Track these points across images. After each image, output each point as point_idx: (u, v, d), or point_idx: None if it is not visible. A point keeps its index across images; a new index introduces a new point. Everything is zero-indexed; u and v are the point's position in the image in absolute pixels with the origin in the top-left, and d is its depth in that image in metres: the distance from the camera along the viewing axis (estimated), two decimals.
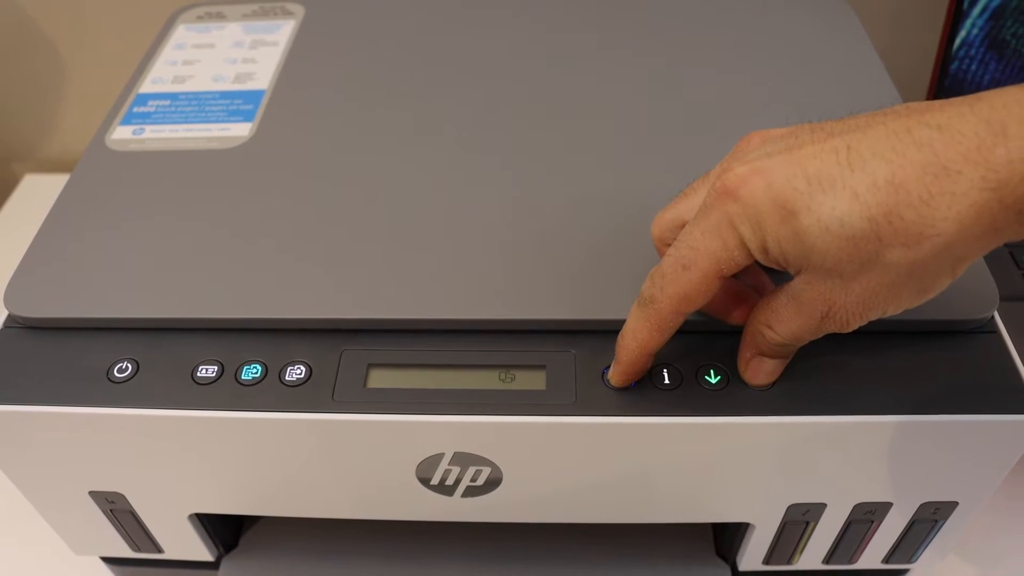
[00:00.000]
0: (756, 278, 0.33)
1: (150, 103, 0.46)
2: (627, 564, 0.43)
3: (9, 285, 0.36)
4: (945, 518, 0.36)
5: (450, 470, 0.34)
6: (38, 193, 0.78)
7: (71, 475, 0.36)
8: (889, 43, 0.69)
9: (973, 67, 0.58)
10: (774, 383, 0.32)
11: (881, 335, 0.33)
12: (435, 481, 0.35)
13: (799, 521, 0.37)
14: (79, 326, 0.35)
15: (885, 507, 0.36)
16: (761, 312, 0.30)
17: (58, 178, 0.75)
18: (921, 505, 0.36)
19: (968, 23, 0.56)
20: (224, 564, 0.44)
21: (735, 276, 0.30)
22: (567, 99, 0.44)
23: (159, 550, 0.41)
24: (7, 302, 0.35)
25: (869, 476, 0.34)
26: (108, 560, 0.44)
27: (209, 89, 0.46)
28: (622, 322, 0.31)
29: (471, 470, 0.34)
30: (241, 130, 0.43)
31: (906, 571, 0.42)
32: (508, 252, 0.36)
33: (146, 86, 0.47)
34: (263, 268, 0.36)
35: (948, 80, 0.59)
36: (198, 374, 0.33)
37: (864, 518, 0.36)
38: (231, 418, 0.32)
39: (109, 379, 0.33)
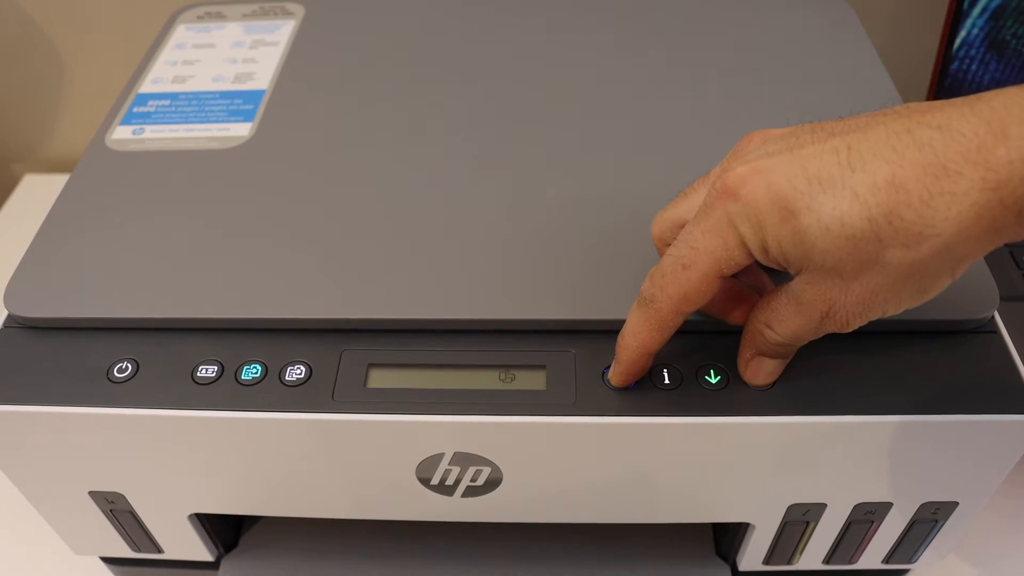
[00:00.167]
0: (756, 278, 0.33)
1: (150, 103, 0.46)
2: (627, 564, 0.43)
3: (9, 285, 0.36)
4: (945, 518, 0.36)
5: (450, 470, 0.34)
6: (38, 193, 0.78)
7: (71, 475, 0.36)
8: (889, 43, 0.69)
9: (973, 67, 0.58)
10: (774, 383, 0.32)
11: (881, 335, 0.33)
12: (435, 481, 0.35)
13: (799, 521, 0.37)
14: (79, 326, 0.35)
15: (885, 507, 0.36)
16: (761, 312, 0.30)
17: (58, 178, 0.75)
18: (921, 505, 0.36)
19: (968, 23, 0.56)
20: (224, 564, 0.44)
21: (735, 276, 0.30)
22: (567, 99, 0.44)
23: (159, 550, 0.41)
24: (7, 302, 0.35)
25: (869, 476, 0.34)
26: (108, 560, 0.44)
27: (209, 89, 0.46)
28: (622, 322, 0.31)
29: (471, 470, 0.34)
30: (241, 130, 0.43)
31: (906, 571, 0.42)
32: (508, 252, 0.36)
33: (146, 86, 0.47)
34: (263, 268, 0.36)
35: (948, 80, 0.59)
36: (198, 374, 0.33)
37: (864, 518, 0.36)
38: (231, 418, 0.32)
39: (109, 379, 0.33)
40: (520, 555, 0.44)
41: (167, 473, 0.36)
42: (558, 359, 0.33)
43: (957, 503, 0.35)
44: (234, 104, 0.45)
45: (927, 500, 0.35)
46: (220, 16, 0.52)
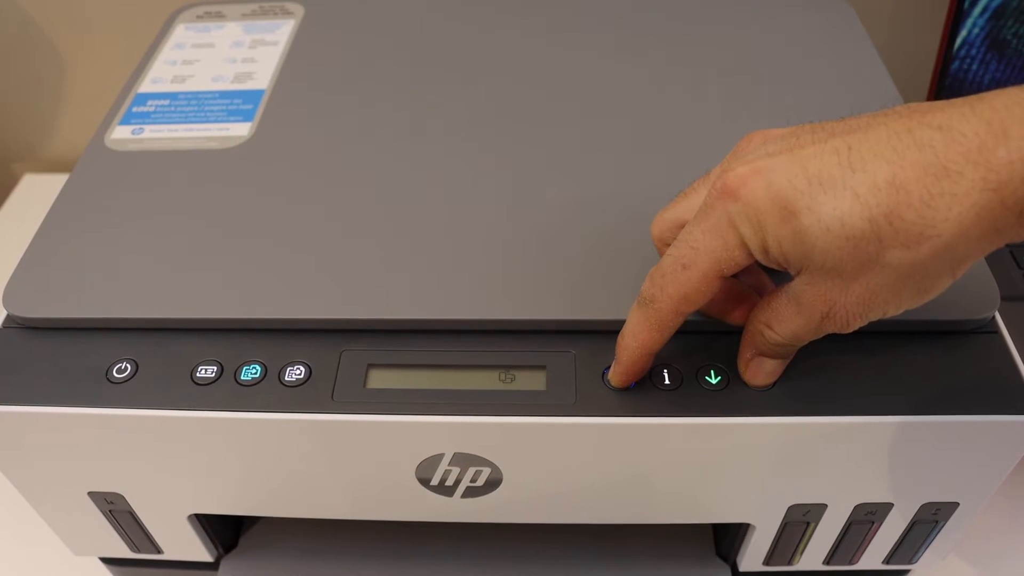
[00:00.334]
0: (756, 278, 0.33)
1: (149, 103, 0.46)
2: (627, 565, 0.43)
3: (8, 285, 0.36)
4: (946, 519, 0.36)
5: (450, 470, 0.34)
6: (38, 193, 0.78)
7: (70, 476, 0.36)
8: (889, 43, 0.69)
9: (974, 67, 0.58)
10: (774, 383, 0.32)
11: (882, 335, 0.33)
12: (435, 482, 0.35)
13: (800, 522, 0.37)
14: (78, 326, 0.35)
15: (886, 508, 0.36)
16: (761, 312, 0.30)
17: (58, 178, 0.75)
18: (922, 506, 0.36)
19: (969, 23, 0.56)
20: (223, 565, 0.43)
21: (735, 276, 0.30)
22: (567, 99, 0.44)
23: (158, 551, 0.41)
24: (6, 302, 0.35)
25: (870, 477, 0.34)
26: (107, 561, 0.44)
27: (208, 89, 0.46)
28: (622, 322, 0.31)
29: (471, 471, 0.34)
30: (240, 130, 0.43)
31: (907, 572, 0.42)
32: (508, 252, 0.36)
33: (145, 86, 0.47)
34: (263, 268, 0.36)
35: (949, 80, 0.59)
36: (197, 374, 0.33)
37: (865, 519, 0.36)
38: (231, 419, 0.32)
39: (108, 379, 0.33)
40: (520, 555, 0.44)
41: (166, 473, 0.36)
42: (558, 359, 0.33)
43: (958, 503, 0.35)
44: (233, 104, 0.45)
45: (928, 500, 0.35)
46: (220, 16, 0.52)
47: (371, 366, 0.33)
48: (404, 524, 0.39)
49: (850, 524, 0.37)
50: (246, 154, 0.42)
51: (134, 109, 0.45)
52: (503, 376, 0.33)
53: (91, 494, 0.37)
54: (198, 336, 0.35)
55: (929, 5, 0.67)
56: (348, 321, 0.34)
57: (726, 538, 0.42)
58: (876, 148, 0.25)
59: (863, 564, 0.40)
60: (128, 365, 0.34)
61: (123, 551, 0.41)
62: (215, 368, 0.33)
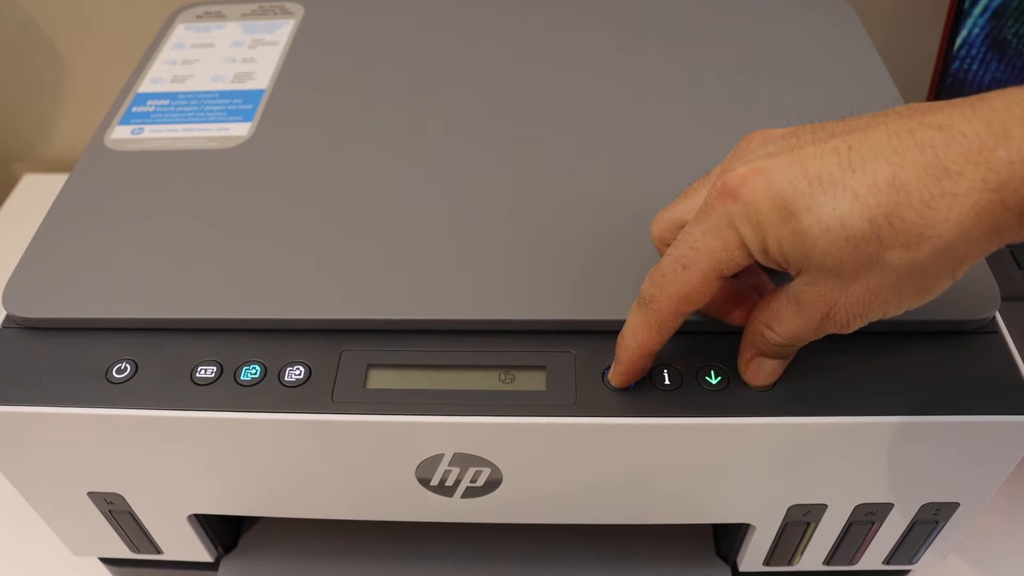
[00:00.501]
0: (756, 278, 0.33)
1: (149, 103, 0.46)
2: (627, 565, 0.43)
3: (8, 285, 0.36)
4: (946, 519, 0.36)
5: (450, 471, 0.34)
6: (37, 193, 0.78)
7: (70, 476, 0.36)
8: (889, 43, 0.69)
9: (974, 67, 0.58)
10: (774, 384, 0.32)
11: (882, 336, 0.33)
12: (435, 482, 0.35)
13: (800, 522, 0.37)
14: (78, 326, 0.35)
15: (886, 508, 0.36)
16: (761, 312, 0.30)
17: (57, 178, 0.75)
18: (922, 506, 0.36)
19: (969, 23, 0.56)
20: (223, 565, 0.43)
21: (735, 276, 0.30)
22: (567, 99, 0.44)
23: (158, 551, 0.41)
24: (5, 302, 0.35)
25: (870, 477, 0.34)
26: (107, 561, 0.44)
27: (208, 89, 0.46)
28: (622, 322, 0.31)
29: (471, 471, 0.34)
30: (240, 130, 0.43)
31: (907, 572, 0.42)
32: (508, 252, 0.36)
33: (145, 86, 0.47)
34: (262, 268, 0.36)
35: (949, 80, 0.59)
36: (197, 375, 0.33)
37: (865, 519, 0.36)
38: (230, 419, 0.32)
39: (108, 380, 0.33)
40: (520, 555, 0.44)
41: (166, 474, 0.36)
42: (558, 359, 0.33)
43: (958, 504, 0.35)
44: (233, 104, 0.45)
45: (928, 501, 0.35)
46: (219, 16, 0.52)
47: (371, 366, 0.33)
48: (404, 524, 0.39)
49: (850, 524, 0.37)
50: (246, 154, 0.42)
51: (134, 109, 0.45)
52: (503, 376, 0.33)
53: (91, 494, 0.37)
54: (198, 336, 0.34)
55: (929, 5, 0.67)
56: (348, 321, 0.34)
57: (726, 538, 0.42)
58: (876, 148, 0.25)
59: (863, 564, 0.40)
60: (128, 365, 0.34)
61: (123, 551, 0.41)
62: (215, 368, 0.33)
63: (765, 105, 0.43)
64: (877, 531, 0.37)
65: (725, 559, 0.43)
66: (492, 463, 0.34)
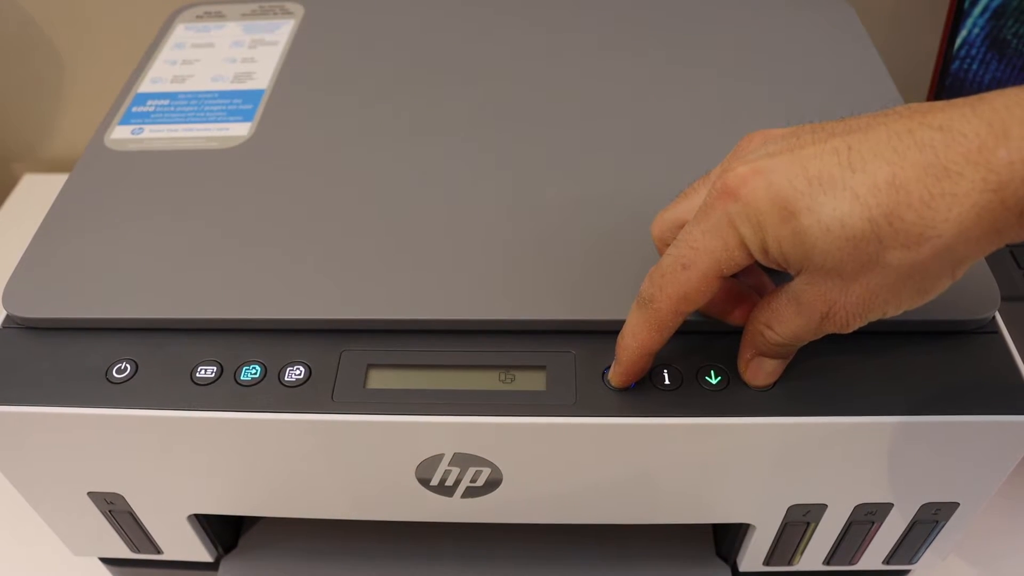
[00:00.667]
0: (756, 278, 0.33)
1: (149, 103, 0.46)
2: (627, 565, 0.43)
3: (8, 285, 0.36)
4: (946, 519, 0.36)
5: (450, 471, 0.34)
6: (37, 193, 0.78)
7: (70, 476, 0.36)
8: (889, 43, 0.69)
9: (974, 67, 0.58)
10: (774, 384, 0.32)
11: (882, 335, 0.33)
12: (435, 482, 0.35)
13: (800, 522, 0.37)
14: (78, 326, 0.35)
15: (886, 508, 0.36)
16: (761, 312, 0.30)
17: (57, 178, 0.75)
18: (922, 506, 0.36)
19: (969, 22, 0.56)
20: (223, 565, 0.43)
21: (735, 276, 0.30)
22: (567, 99, 0.44)
23: (158, 551, 0.41)
24: (5, 302, 0.35)
25: (870, 477, 0.34)
26: (107, 561, 0.44)
27: (208, 89, 0.46)
28: (622, 322, 0.31)
29: (471, 471, 0.34)
30: (240, 130, 0.43)
31: (907, 572, 0.42)
32: (508, 252, 0.36)
33: (145, 86, 0.47)
34: (262, 268, 0.36)
35: (949, 80, 0.59)
36: (197, 375, 0.33)
37: (865, 519, 0.36)
38: (230, 419, 0.32)
39: (108, 380, 0.33)
40: (520, 555, 0.43)
41: (166, 474, 0.36)
42: (558, 359, 0.33)
43: (958, 504, 0.35)
44: (233, 104, 0.45)
45: (928, 501, 0.35)
46: (219, 16, 0.52)
47: (371, 366, 0.33)
48: (404, 524, 0.39)
49: (850, 524, 0.37)
50: (246, 154, 0.42)
51: (134, 109, 0.45)
52: (503, 376, 0.33)
53: (91, 494, 0.37)
54: (198, 336, 0.34)
55: (929, 5, 0.67)
56: (348, 321, 0.34)
57: (726, 538, 0.42)
58: (876, 148, 0.25)
59: (863, 564, 0.40)
60: (128, 365, 0.34)
61: (123, 551, 0.41)
62: (215, 368, 0.33)
63: (765, 105, 0.43)
64: (877, 531, 0.37)
65: (725, 559, 0.43)
66: (492, 463, 0.34)
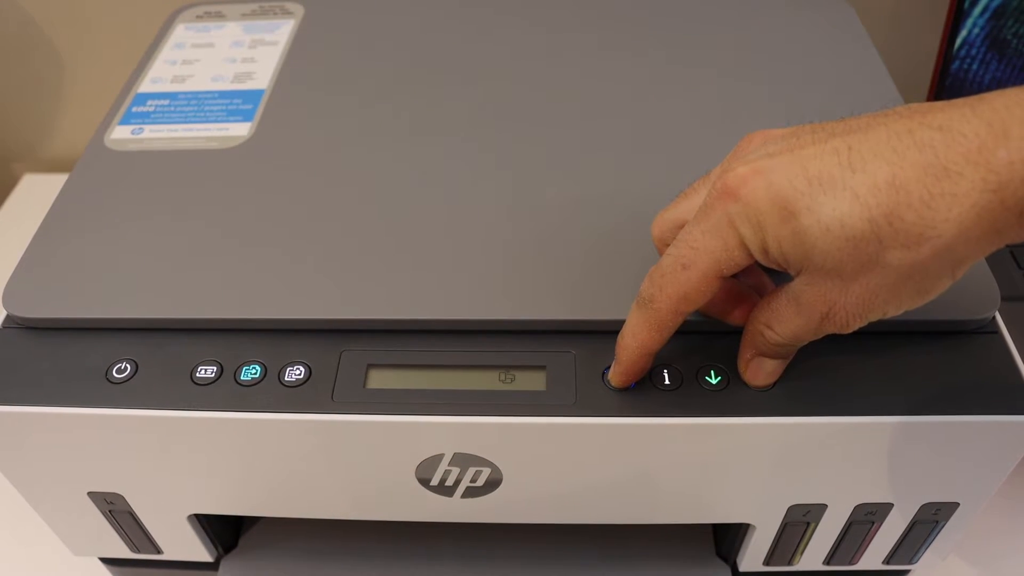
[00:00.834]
0: (756, 278, 0.33)
1: (149, 103, 0.46)
2: (627, 565, 0.43)
3: (8, 285, 0.36)
4: (946, 519, 0.36)
5: (450, 471, 0.34)
6: (37, 193, 0.78)
7: (70, 476, 0.36)
8: (889, 43, 0.69)
9: (974, 67, 0.58)
10: (774, 384, 0.32)
11: (882, 335, 0.33)
12: (435, 482, 0.35)
13: (800, 522, 0.37)
14: (78, 326, 0.35)
15: (886, 508, 0.36)
16: (761, 312, 0.30)
17: (57, 178, 0.75)
18: (922, 506, 0.36)
19: (969, 23, 0.56)
20: (223, 565, 0.43)
21: (735, 276, 0.30)
22: (567, 99, 0.44)
23: (158, 551, 0.41)
24: (5, 302, 0.35)
25: (870, 477, 0.34)
26: (107, 561, 0.44)
27: (208, 89, 0.46)
28: (622, 322, 0.31)
29: (471, 471, 0.34)
30: (240, 130, 0.43)
31: (907, 572, 0.42)
32: (508, 252, 0.36)
33: (145, 86, 0.47)
34: (262, 268, 0.36)
35: (949, 80, 0.59)
36: (197, 374, 0.33)
37: (865, 519, 0.36)
38: (230, 419, 0.32)
39: (108, 380, 0.33)
40: (520, 555, 0.43)
41: (166, 474, 0.36)
42: (558, 359, 0.33)
43: (958, 504, 0.35)
44: (233, 104, 0.45)
45: (928, 501, 0.35)
46: (219, 16, 0.52)
47: (371, 366, 0.33)
48: (404, 524, 0.39)
49: (850, 524, 0.37)
50: (246, 154, 0.42)
51: (134, 109, 0.45)
52: (503, 376, 0.33)
53: (91, 494, 0.37)
54: (198, 336, 0.34)
55: (929, 5, 0.67)
56: (348, 321, 0.34)
57: (726, 538, 0.42)
58: (876, 148, 0.25)
59: (863, 564, 0.40)
60: (128, 365, 0.34)
61: (123, 551, 0.41)
62: (215, 368, 0.33)
63: (765, 105, 0.43)
64: (877, 531, 0.37)
65: (725, 559, 0.43)
66: (492, 463, 0.34)
